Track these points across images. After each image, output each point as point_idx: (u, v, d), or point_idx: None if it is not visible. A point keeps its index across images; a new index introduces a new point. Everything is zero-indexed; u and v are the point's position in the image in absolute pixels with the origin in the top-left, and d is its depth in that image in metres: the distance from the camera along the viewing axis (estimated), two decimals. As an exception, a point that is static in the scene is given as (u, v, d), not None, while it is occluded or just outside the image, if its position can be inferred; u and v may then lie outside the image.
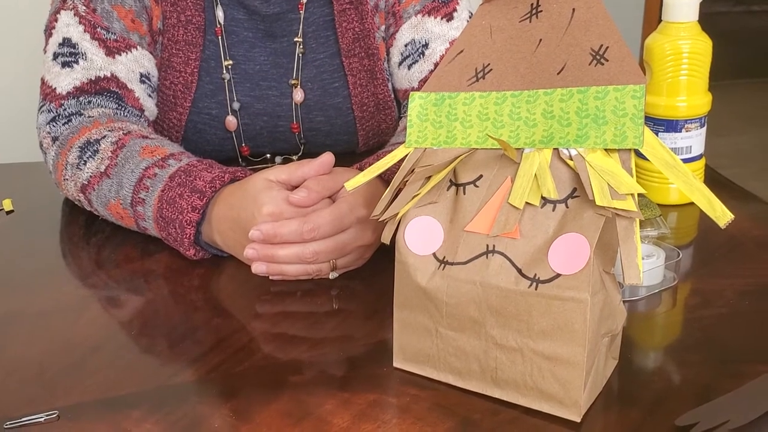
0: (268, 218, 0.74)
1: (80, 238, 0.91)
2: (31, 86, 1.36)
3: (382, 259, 0.78)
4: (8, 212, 0.96)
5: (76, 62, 0.94)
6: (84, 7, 0.95)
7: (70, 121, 0.92)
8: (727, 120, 3.64)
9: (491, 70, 0.62)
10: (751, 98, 4.06)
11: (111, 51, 0.95)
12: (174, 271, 0.81)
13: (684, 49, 0.89)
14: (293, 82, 1.02)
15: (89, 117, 0.92)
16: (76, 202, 0.93)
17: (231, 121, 1.02)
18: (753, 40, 4.73)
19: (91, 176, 0.87)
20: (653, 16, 3.28)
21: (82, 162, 0.88)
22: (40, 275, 0.82)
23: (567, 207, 0.56)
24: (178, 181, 0.80)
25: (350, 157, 1.00)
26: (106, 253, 0.87)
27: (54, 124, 0.93)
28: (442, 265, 0.59)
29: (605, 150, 0.57)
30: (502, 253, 0.57)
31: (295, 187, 0.76)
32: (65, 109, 0.93)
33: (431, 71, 1.01)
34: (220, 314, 0.73)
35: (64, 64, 0.95)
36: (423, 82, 1.02)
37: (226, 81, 1.01)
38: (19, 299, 0.77)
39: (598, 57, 0.58)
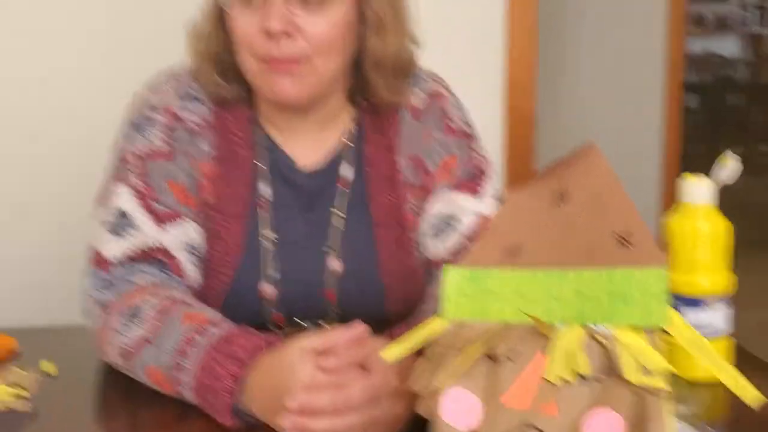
0: (303, 389, 0.76)
1: (117, 400, 0.93)
2: (62, 255, 1.42)
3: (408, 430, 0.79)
4: (49, 375, 0.98)
5: (127, 232, 1.00)
6: (140, 182, 1.02)
7: (116, 287, 0.97)
8: (754, 293, 3.62)
9: (523, 249, 0.66)
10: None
11: (161, 220, 1.01)
12: (208, 437, 0.82)
13: (702, 230, 0.93)
14: (330, 251, 1.07)
15: (135, 284, 0.97)
16: (115, 366, 0.95)
17: (268, 289, 1.06)
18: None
19: (133, 342, 0.90)
20: (669, 194, 3.37)
21: (126, 327, 0.91)
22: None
23: (600, 383, 0.59)
24: (218, 349, 0.83)
25: (377, 323, 1.02)
26: (141, 415, 0.88)
27: (100, 290, 0.98)
28: (479, 438, 0.60)
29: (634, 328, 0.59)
30: (539, 430, 0.59)
31: None
32: (112, 276, 0.98)
33: (460, 242, 1.06)
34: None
35: (115, 233, 1.00)
36: (452, 251, 1.07)
37: (267, 251, 1.06)
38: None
39: (623, 241, 0.62)
